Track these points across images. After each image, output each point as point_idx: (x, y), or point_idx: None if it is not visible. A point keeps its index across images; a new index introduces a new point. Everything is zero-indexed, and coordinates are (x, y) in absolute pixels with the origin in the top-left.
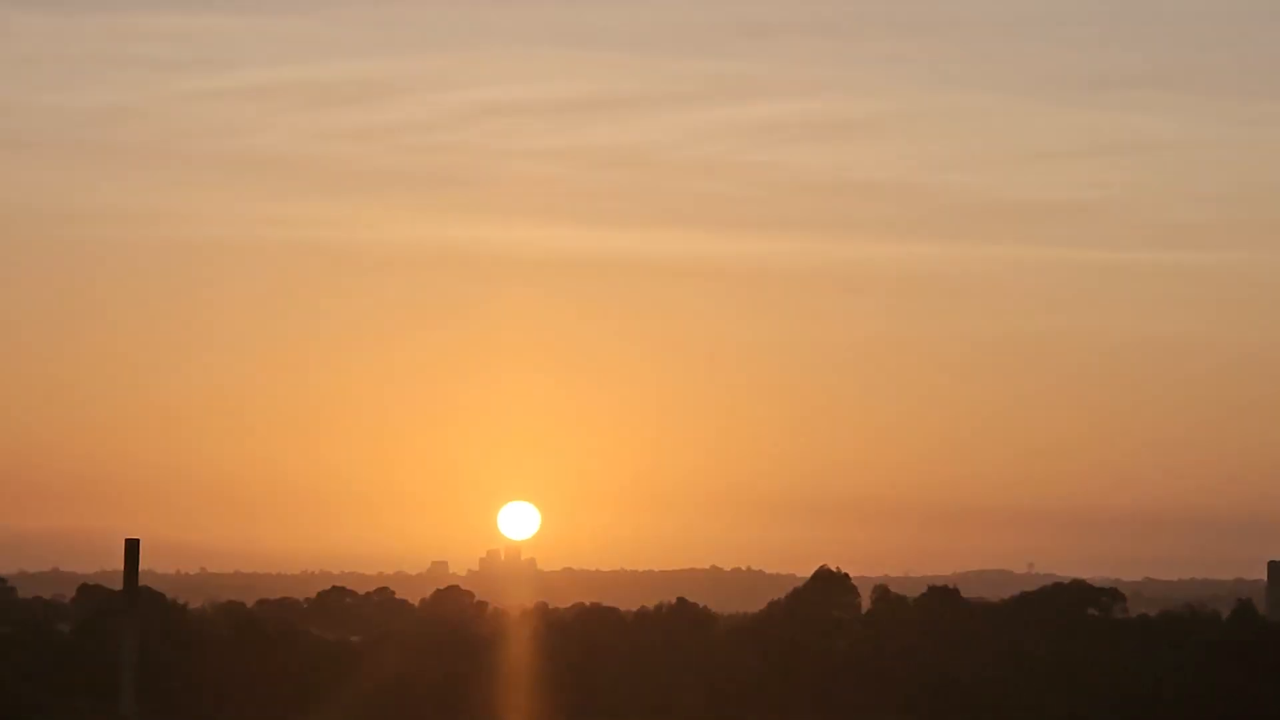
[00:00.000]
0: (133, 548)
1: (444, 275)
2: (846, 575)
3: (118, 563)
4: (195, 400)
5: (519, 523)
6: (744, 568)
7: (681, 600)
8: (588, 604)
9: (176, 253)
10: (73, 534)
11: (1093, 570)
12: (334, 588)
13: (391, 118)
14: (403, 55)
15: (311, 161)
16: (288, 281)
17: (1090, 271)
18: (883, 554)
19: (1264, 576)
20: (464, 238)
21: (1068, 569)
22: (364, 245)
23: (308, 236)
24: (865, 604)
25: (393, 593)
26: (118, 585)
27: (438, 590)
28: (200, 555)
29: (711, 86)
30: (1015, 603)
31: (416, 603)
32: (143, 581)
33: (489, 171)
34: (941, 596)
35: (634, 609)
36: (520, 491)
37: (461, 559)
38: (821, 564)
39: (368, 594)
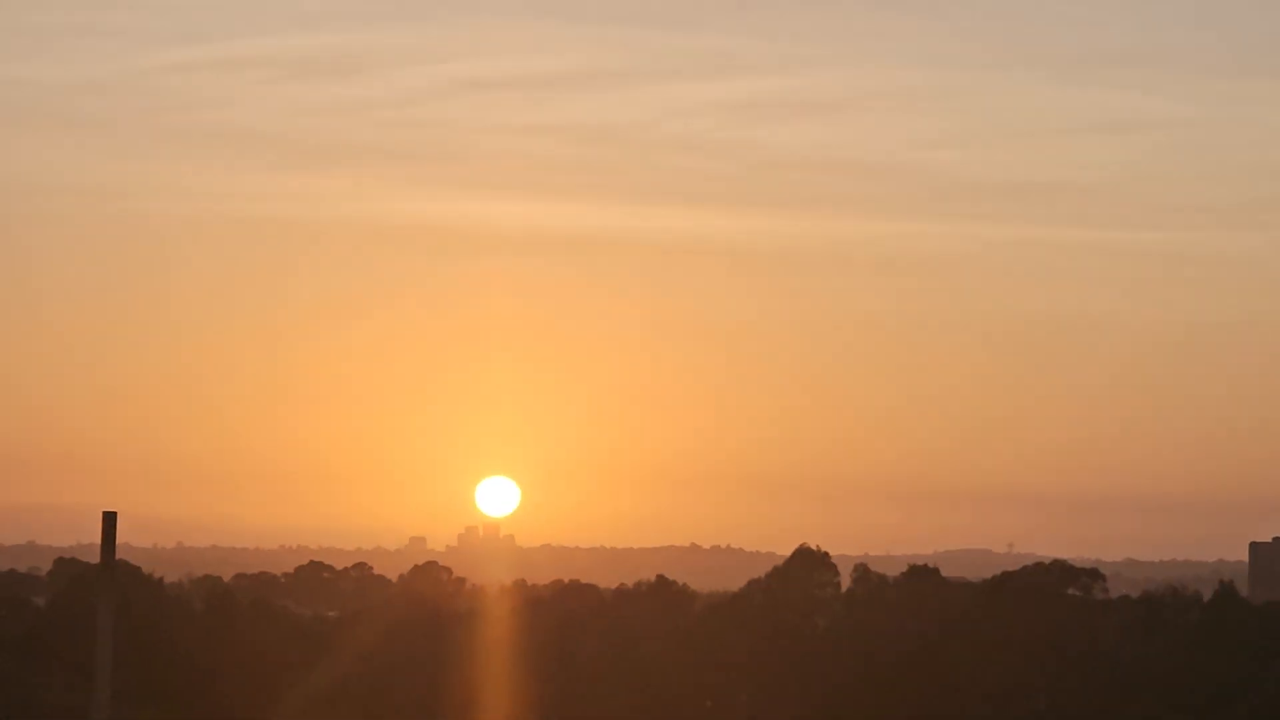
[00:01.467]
0: (110, 521)
1: (423, 251)
2: (826, 554)
3: (94, 536)
4: (172, 376)
5: (498, 499)
6: (723, 545)
7: (660, 578)
8: (566, 581)
9: (150, 227)
10: (49, 508)
11: (1073, 551)
12: (311, 563)
13: (370, 91)
14: (381, 28)
15: (288, 135)
16: (265, 257)
17: (1077, 252)
18: (863, 533)
19: (1246, 558)
20: (443, 213)
21: (1048, 549)
22: (342, 220)
23: (285, 211)
24: (845, 583)
25: (370, 568)
26: (94, 559)
27: (415, 566)
28: (177, 530)
29: (694, 62)
30: (995, 582)
31: (394, 578)
32: (119, 555)
33: (469, 146)
34: (922, 576)
35: (613, 586)
36: (499, 467)
37: (440, 535)
38: (801, 542)
39: (345, 569)
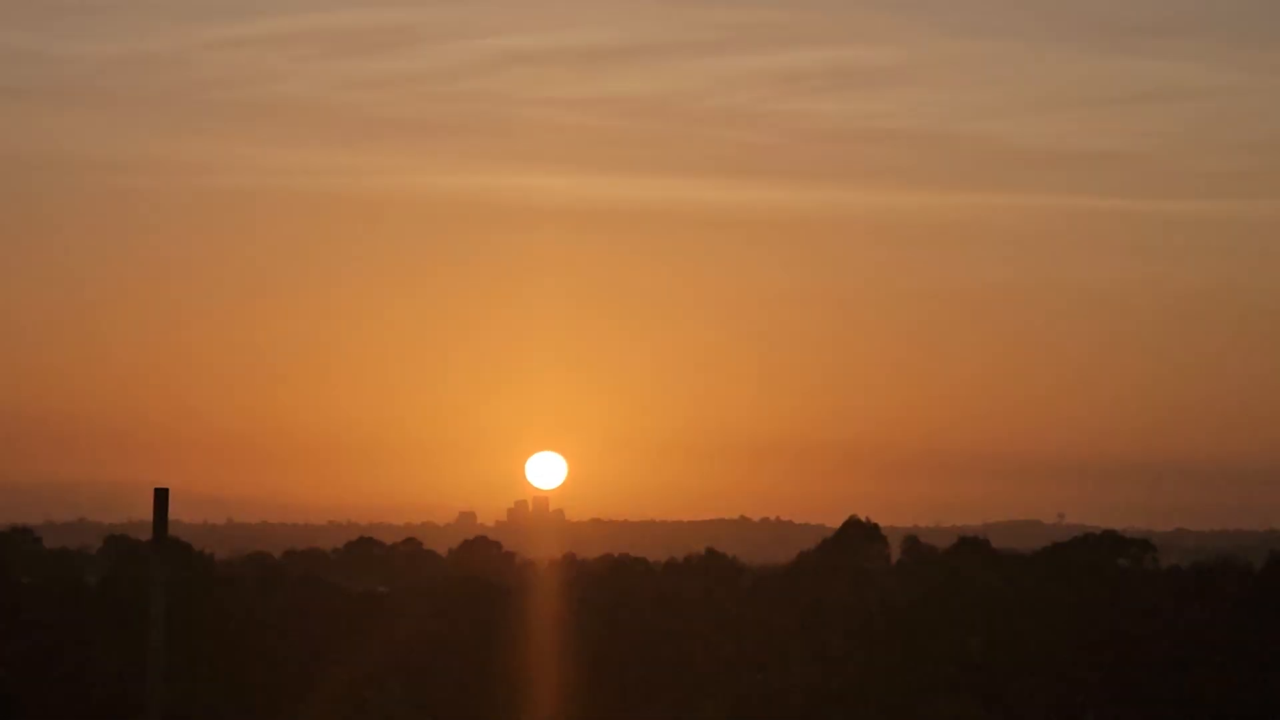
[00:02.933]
0: (161, 497)
1: (470, 224)
2: (876, 526)
3: (145, 513)
4: (222, 351)
5: (547, 473)
6: (773, 518)
7: (710, 551)
8: (616, 555)
9: (199, 203)
10: (99, 484)
11: (1124, 521)
12: (361, 538)
13: (416, 65)
14: (427, 2)
15: (335, 110)
16: (313, 231)
17: (1121, 221)
18: (912, 504)
19: None
20: (490, 186)
21: (1098, 519)
22: (390, 194)
23: (333, 186)
24: (895, 555)
25: (420, 543)
26: (145, 536)
27: (465, 541)
28: (227, 506)
29: (737, 34)
30: (1045, 554)
31: (444, 554)
32: (170, 532)
33: (516, 120)
34: (971, 547)
35: (662, 560)
36: (548, 442)
37: (489, 509)
38: (851, 514)
39: (395, 545)
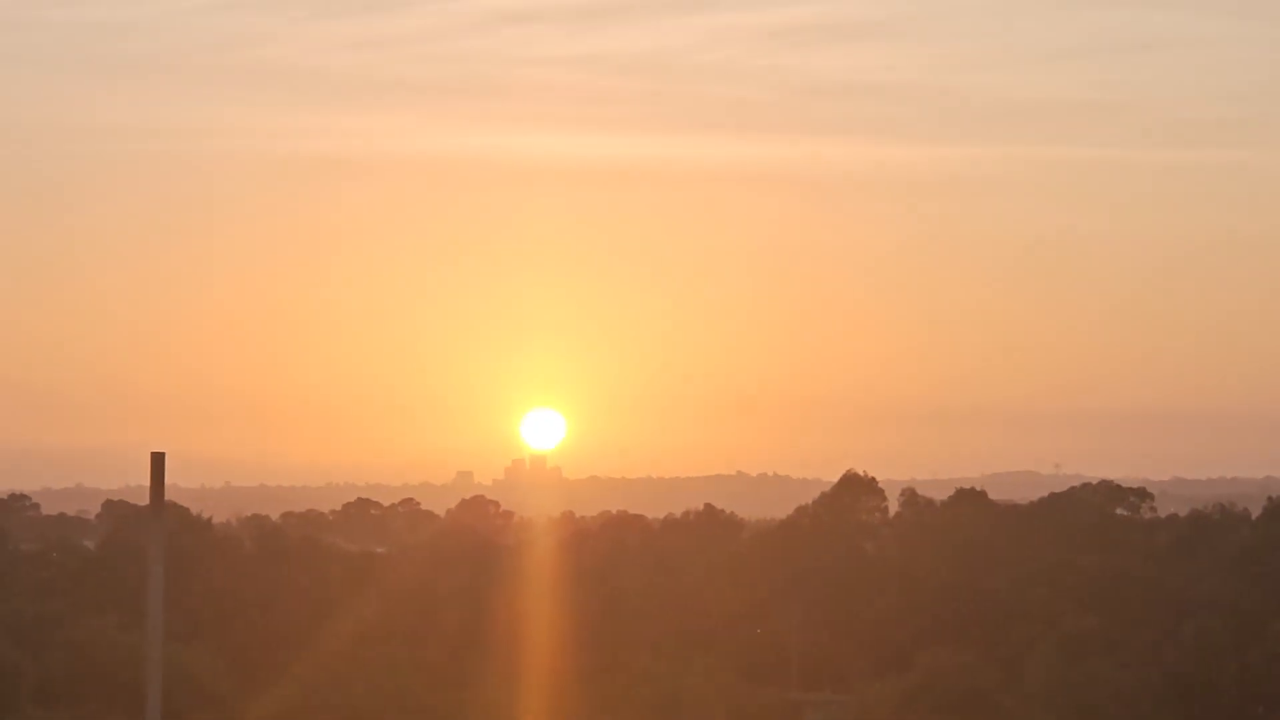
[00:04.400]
0: (158, 462)
1: (465, 184)
2: (874, 479)
3: (142, 478)
4: (218, 315)
5: (544, 431)
6: (770, 473)
7: (708, 507)
8: (614, 512)
9: (194, 167)
10: (97, 450)
11: (1120, 470)
12: (359, 499)
13: (407, 27)
14: None
15: (325, 72)
16: (309, 193)
17: (1116, 170)
18: (909, 457)
19: None
20: (483, 146)
21: (1095, 469)
22: (385, 156)
23: (328, 148)
24: (893, 507)
25: (418, 503)
26: (142, 500)
27: (463, 500)
28: (225, 469)
29: None
30: (1043, 504)
31: (442, 513)
32: (167, 496)
33: (509, 79)
34: (969, 499)
35: (660, 516)
36: (545, 400)
37: (487, 469)
38: (848, 468)
39: (393, 505)
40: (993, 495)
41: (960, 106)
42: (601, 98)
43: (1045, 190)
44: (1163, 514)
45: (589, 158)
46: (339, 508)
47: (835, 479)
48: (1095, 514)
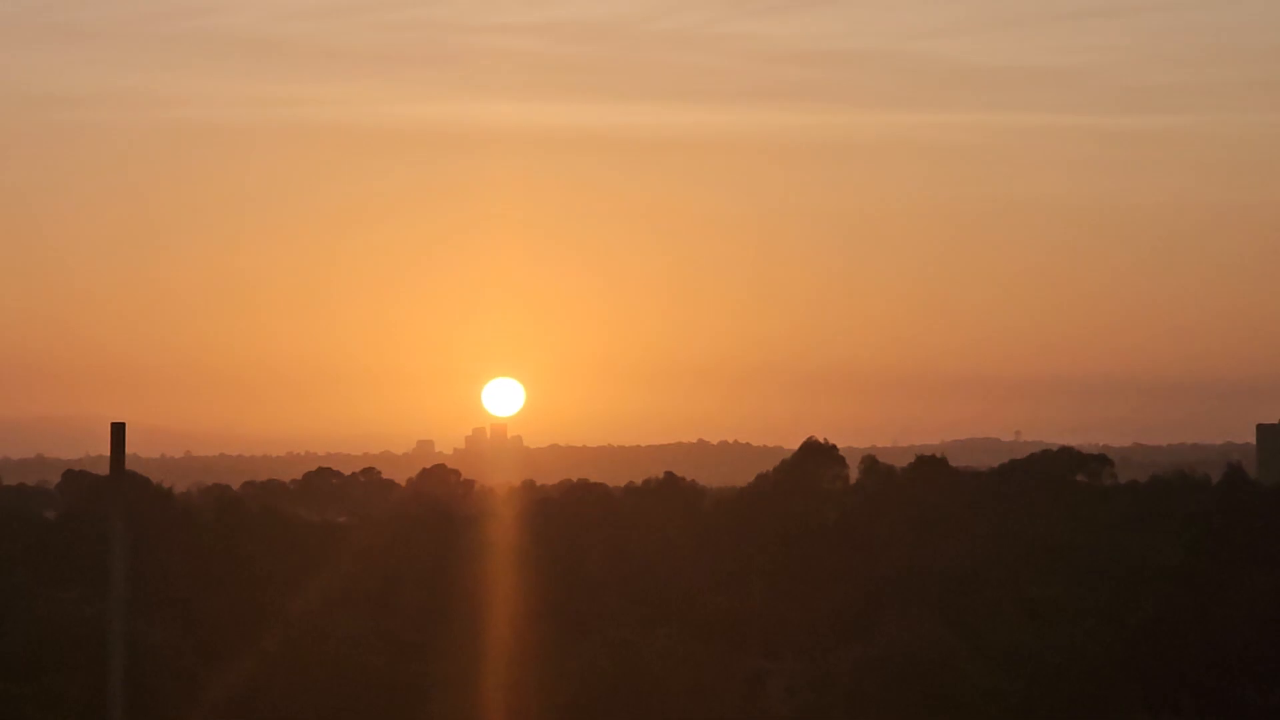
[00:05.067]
0: (118, 432)
1: (421, 153)
2: (834, 446)
3: (102, 448)
4: (177, 284)
5: (504, 400)
6: (731, 441)
7: (669, 475)
8: (574, 480)
9: (152, 136)
10: (56, 420)
11: (1081, 437)
12: (320, 469)
13: None
14: None
15: (281, 40)
16: (265, 163)
17: (1080, 137)
18: (870, 424)
19: (1253, 440)
20: (440, 114)
21: (1055, 436)
22: (341, 124)
23: (283, 116)
24: (853, 475)
25: (379, 473)
26: (103, 471)
27: (424, 469)
28: (185, 439)
29: None
30: (1003, 471)
31: (403, 482)
32: (128, 466)
33: (463, 47)
34: (930, 466)
35: (621, 484)
36: (505, 368)
37: (447, 437)
38: (809, 435)
39: (354, 474)
40: (954, 462)
41: (919, 73)
42: (559, 65)
43: (1004, 157)
44: (1123, 480)
45: (547, 125)
46: (299, 477)
47: (796, 446)
48: (1055, 481)
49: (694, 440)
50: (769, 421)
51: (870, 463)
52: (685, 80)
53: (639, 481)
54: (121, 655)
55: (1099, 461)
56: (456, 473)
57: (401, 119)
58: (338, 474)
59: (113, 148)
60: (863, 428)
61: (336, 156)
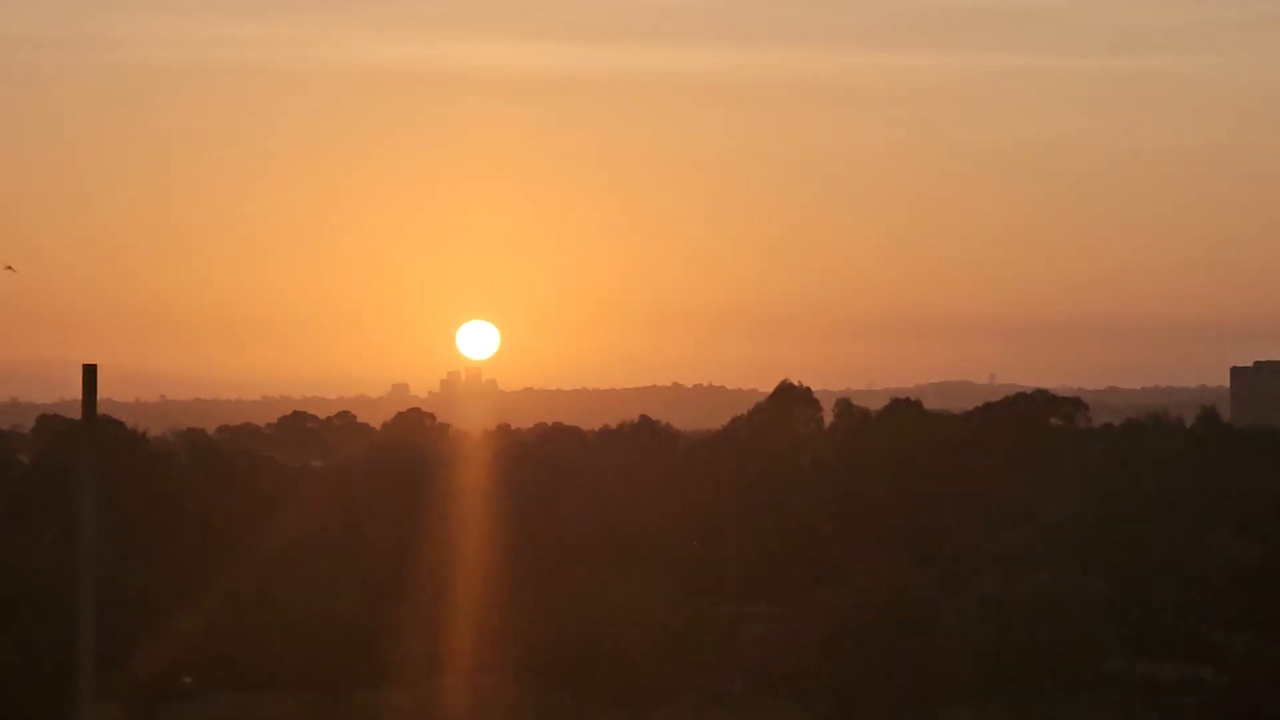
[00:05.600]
0: (90, 374)
1: (399, 94)
2: (809, 389)
3: (77, 393)
4: (151, 228)
5: (479, 343)
6: (706, 384)
7: (644, 418)
8: (549, 424)
9: (127, 77)
10: (31, 364)
11: (1055, 380)
12: (295, 413)
13: None
14: None
15: None
16: (243, 104)
17: (1058, 79)
18: (845, 368)
19: (1227, 383)
20: (417, 56)
21: (1030, 379)
22: (317, 65)
23: (261, 58)
24: (828, 418)
25: (354, 416)
26: (77, 415)
27: (399, 413)
28: (160, 383)
29: None
30: (978, 413)
31: (378, 426)
32: (102, 410)
33: None
34: (904, 409)
35: (596, 428)
36: (480, 311)
37: (422, 381)
38: (783, 379)
39: (329, 418)
40: (928, 405)
41: (896, 14)
42: (534, 5)
43: (980, 98)
44: (1097, 423)
45: (523, 66)
46: (274, 421)
47: (771, 390)
48: (1030, 424)
49: (669, 384)
50: (744, 365)
51: (845, 406)
52: (663, 21)
53: (614, 425)
54: (93, 598)
55: (1073, 404)
56: (431, 416)
57: (375, 60)
58: (313, 418)
59: (80, 89)
60: (837, 371)
61: (312, 98)
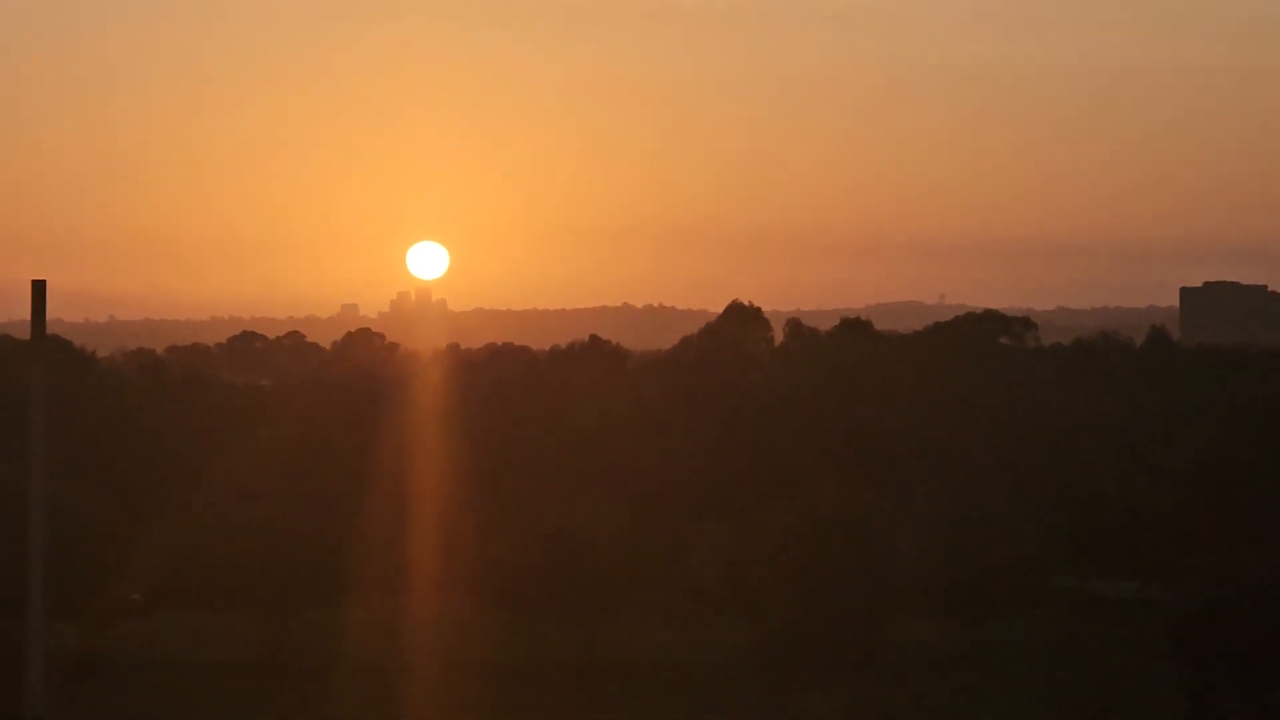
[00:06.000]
0: (39, 289)
1: (349, 15)
2: (759, 309)
3: (24, 313)
4: (98, 147)
5: (428, 263)
6: (656, 304)
7: (594, 338)
8: (499, 344)
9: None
10: None
11: (1005, 300)
12: (244, 333)
13: None
14: None
15: None
16: (188, 25)
17: None
18: (795, 288)
19: (1176, 303)
20: None
21: (980, 299)
22: None
23: None
24: (778, 338)
25: (303, 336)
26: (25, 335)
27: (348, 333)
28: (108, 303)
29: None
30: (927, 333)
31: (327, 346)
32: (51, 330)
33: None
34: (854, 329)
35: (546, 348)
36: (429, 232)
37: (372, 301)
38: (734, 298)
39: (278, 338)
40: (878, 326)
41: None
42: None
43: (927, 16)
44: (1047, 344)
45: None
46: (224, 341)
47: (721, 310)
48: (980, 344)
49: (619, 304)
50: (694, 284)
51: (795, 326)
52: None
53: (564, 345)
54: (43, 519)
55: (1023, 324)
56: (381, 336)
57: None
58: (262, 338)
59: (29, 10)
60: (787, 291)
61: (258, 17)
